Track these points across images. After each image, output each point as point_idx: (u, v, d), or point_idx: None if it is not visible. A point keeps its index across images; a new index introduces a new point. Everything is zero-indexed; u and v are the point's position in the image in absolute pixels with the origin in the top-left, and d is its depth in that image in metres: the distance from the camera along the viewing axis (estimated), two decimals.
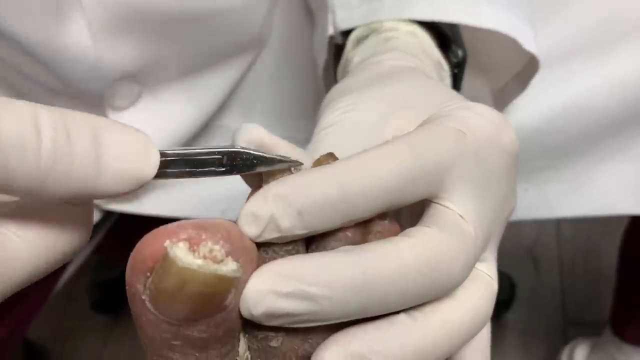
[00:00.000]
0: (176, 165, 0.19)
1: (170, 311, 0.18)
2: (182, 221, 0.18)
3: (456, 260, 0.20)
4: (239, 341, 0.20)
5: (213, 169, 0.20)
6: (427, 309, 0.20)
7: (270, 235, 0.19)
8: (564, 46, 0.44)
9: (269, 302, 0.18)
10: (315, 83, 0.47)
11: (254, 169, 0.20)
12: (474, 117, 0.23)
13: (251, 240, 0.19)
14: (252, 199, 0.19)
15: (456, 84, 0.35)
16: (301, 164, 0.21)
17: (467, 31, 0.35)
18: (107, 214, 0.52)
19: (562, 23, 0.44)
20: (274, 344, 0.20)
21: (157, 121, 0.46)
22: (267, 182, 0.20)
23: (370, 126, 0.25)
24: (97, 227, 0.53)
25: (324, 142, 0.25)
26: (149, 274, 0.18)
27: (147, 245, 0.18)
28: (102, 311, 1.10)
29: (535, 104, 0.44)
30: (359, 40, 0.34)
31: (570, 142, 0.45)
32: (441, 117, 0.23)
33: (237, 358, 0.20)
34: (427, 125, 0.22)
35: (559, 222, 1.13)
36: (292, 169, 0.21)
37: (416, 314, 0.20)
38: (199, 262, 0.17)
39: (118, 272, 1.09)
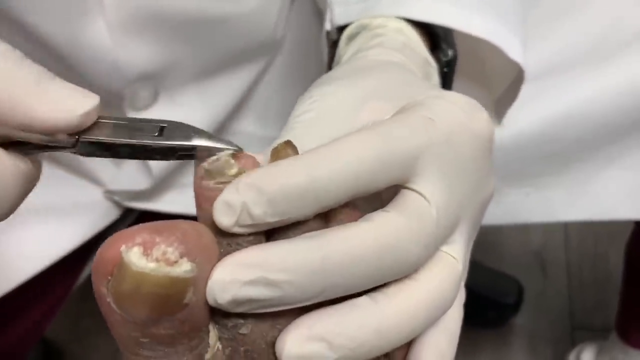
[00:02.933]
0: (114, 127, 0.21)
1: (132, 312, 0.18)
2: (141, 225, 0.19)
3: (414, 242, 0.21)
4: (209, 333, 0.21)
5: (149, 134, 0.21)
6: (389, 291, 0.21)
7: (244, 222, 0.20)
8: (564, 55, 0.45)
9: (233, 290, 0.19)
10: None
11: (190, 140, 0.21)
12: (445, 104, 0.23)
13: (216, 234, 0.20)
14: (225, 190, 0.20)
15: (446, 82, 0.35)
16: (240, 149, 0.21)
17: (464, 40, 0.35)
18: (127, 212, 0.54)
19: (562, 33, 0.45)
20: (243, 331, 0.20)
21: None
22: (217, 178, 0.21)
23: (342, 115, 0.25)
24: (116, 224, 0.55)
25: (293, 130, 0.25)
26: (109, 277, 0.18)
27: (106, 250, 0.18)
28: None
29: (536, 111, 0.44)
30: (351, 37, 0.35)
31: (570, 148, 0.46)
32: (413, 106, 0.23)
33: (208, 349, 0.21)
34: (398, 114, 0.23)
35: (567, 227, 1.13)
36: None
37: (378, 295, 0.21)
38: (151, 265, 0.18)
39: None
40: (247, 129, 0.53)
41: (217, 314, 0.20)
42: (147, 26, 0.41)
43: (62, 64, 0.41)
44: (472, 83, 0.40)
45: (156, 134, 0.21)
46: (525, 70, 0.37)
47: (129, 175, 0.49)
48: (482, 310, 0.99)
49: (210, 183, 0.20)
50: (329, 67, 0.37)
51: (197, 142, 0.21)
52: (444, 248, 0.23)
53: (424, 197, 0.21)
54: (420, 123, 0.22)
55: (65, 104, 0.20)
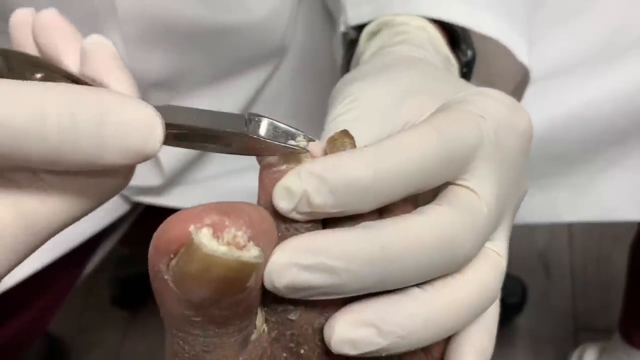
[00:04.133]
0: (181, 137, 0.20)
1: (193, 293, 0.18)
2: (206, 204, 0.18)
3: (467, 237, 0.21)
4: (257, 315, 0.21)
5: (220, 146, 0.20)
6: (438, 284, 0.21)
7: (303, 209, 0.20)
8: (568, 59, 0.45)
9: (291, 275, 0.19)
10: None
11: (259, 153, 0.21)
12: (491, 101, 0.23)
13: (275, 218, 0.20)
14: (287, 176, 0.20)
15: None
16: (306, 151, 0.21)
17: (475, 41, 0.36)
18: (135, 206, 0.54)
19: (567, 36, 0.45)
20: (292, 316, 0.21)
21: None
22: (289, 162, 0.21)
23: (383, 112, 0.25)
24: (123, 218, 0.55)
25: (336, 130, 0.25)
26: (172, 256, 0.18)
27: (172, 228, 0.18)
28: (121, 306, 1.12)
29: (541, 113, 0.45)
30: (372, 35, 0.35)
31: (574, 150, 0.47)
32: (458, 102, 0.23)
33: (254, 330, 0.21)
34: (448, 110, 0.23)
35: (571, 229, 1.13)
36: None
37: (427, 287, 0.21)
38: (223, 249, 0.17)
39: (139, 269, 1.11)
40: None
41: (268, 297, 0.20)
42: (161, 37, 0.42)
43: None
44: (480, 84, 0.40)
45: (226, 147, 0.21)
46: (531, 71, 0.37)
47: (140, 171, 0.49)
48: None
49: (281, 166, 0.20)
50: (346, 65, 0.38)
51: (296, 141, 0.21)
52: (488, 244, 0.23)
53: (476, 194, 0.22)
54: (474, 121, 0.22)
55: (129, 147, 0.18)
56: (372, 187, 0.20)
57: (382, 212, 0.22)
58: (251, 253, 0.18)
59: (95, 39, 0.27)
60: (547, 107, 0.45)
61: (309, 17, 0.51)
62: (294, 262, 0.19)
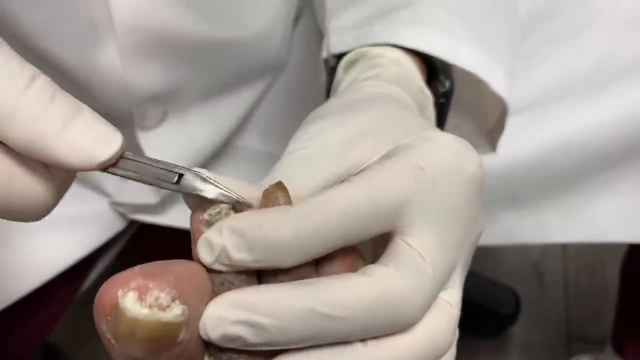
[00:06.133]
0: (132, 167, 0.21)
1: (130, 350, 0.20)
2: (137, 267, 0.20)
3: (411, 300, 0.21)
4: None
5: (165, 182, 0.22)
6: (382, 339, 0.21)
7: (222, 262, 0.21)
8: (558, 86, 0.46)
9: (223, 328, 0.20)
10: None
11: (203, 191, 0.22)
12: (436, 149, 0.24)
13: (212, 270, 0.21)
14: (210, 230, 0.21)
15: (443, 112, 0.36)
16: (244, 202, 0.22)
17: (461, 70, 0.36)
18: (131, 223, 0.55)
19: (557, 61, 0.46)
20: None
21: (181, 140, 0.48)
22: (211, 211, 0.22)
23: (334, 153, 0.25)
24: (120, 235, 0.56)
25: (286, 167, 0.25)
26: (108, 317, 0.20)
27: (105, 294, 0.20)
28: None
29: (532, 138, 0.46)
30: (350, 64, 0.35)
31: (564, 174, 0.47)
32: (403, 149, 0.24)
33: None
34: (386, 161, 0.23)
35: None
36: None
37: (370, 342, 0.21)
38: (145, 311, 0.19)
39: None
40: (251, 144, 0.54)
41: (213, 345, 0.21)
42: (157, 50, 0.42)
43: (72, 85, 0.42)
44: (466, 113, 0.41)
45: (174, 182, 0.22)
46: (507, 103, 0.37)
47: (135, 189, 0.50)
48: (479, 320, 0.99)
49: (203, 215, 0.22)
50: (327, 91, 0.38)
51: (209, 193, 0.22)
52: (441, 294, 0.23)
53: (419, 255, 0.22)
54: (409, 171, 0.23)
55: (86, 150, 0.20)
56: (291, 246, 0.21)
57: (318, 261, 0.22)
58: (173, 312, 0.19)
59: None
60: (537, 132, 0.46)
61: (305, 36, 0.52)
62: (225, 317, 0.20)
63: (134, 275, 0.20)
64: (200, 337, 0.21)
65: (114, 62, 0.41)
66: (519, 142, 0.46)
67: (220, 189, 0.22)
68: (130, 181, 0.51)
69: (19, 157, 0.20)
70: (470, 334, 0.90)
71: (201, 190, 0.21)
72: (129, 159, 0.21)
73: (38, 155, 0.20)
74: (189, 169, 0.22)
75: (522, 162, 0.47)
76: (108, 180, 0.51)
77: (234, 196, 0.22)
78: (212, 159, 0.52)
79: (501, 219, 0.50)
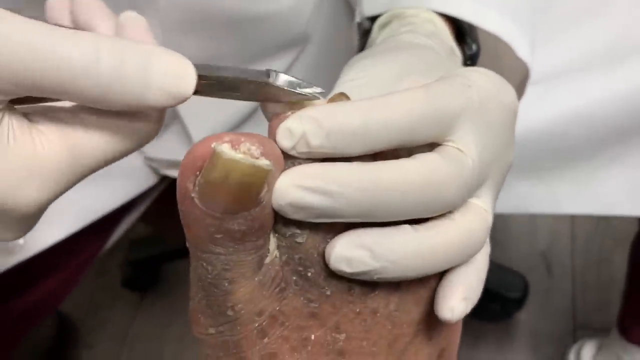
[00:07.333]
0: (212, 87, 0.23)
1: (215, 203, 0.21)
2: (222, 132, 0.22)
3: (453, 182, 0.23)
4: (270, 240, 0.23)
5: (244, 95, 0.24)
6: (428, 224, 0.24)
7: (301, 149, 0.22)
8: (575, 59, 0.48)
9: (293, 194, 0.22)
10: None
11: (278, 100, 0.24)
12: (479, 75, 0.26)
13: (284, 155, 0.23)
14: (290, 118, 0.22)
15: None
16: (317, 98, 0.24)
17: (485, 36, 0.37)
18: (160, 180, 0.57)
19: (576, 36, 0.48)
20: (299, 240, 0.23)
21: (212, 110, 0.51)
22: (294, 109, 0.23)
23: (384, 83, 0.27)
24: (147, 192, 0.57)
25: (346, 90, 0.27)
26: (198, 172, 0.21)
27: (197, 148, 0.21)
28: (131, 288, 1.15)
29: (547, 109, 0.47)
30: (383, 25, 0.37)
31: (576, 145, 0.49)
32: (451, 75, 0.26)
33: (268, 254, 0.23)
34: (439, 80, 0.25)
35: (573, 230, 1.15)
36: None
37: (417, 226, 0.24)
38: (240, 155, 0.21)
39: (150, 252, 1.14)
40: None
41: (279, 224, 0.23)
42: (196, 25, 0.44)
43: None
44: None
45: (268, 78, 0.24)
46: (530, 69, 0.39)
47: (169, 144, 0.52)
48: (486, 302, 1.00)
49: (287, 112, 0.23)
50: (360, 52, 0.40)
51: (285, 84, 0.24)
52: (474, 200, 0.25)
53: (461, 151, 0.24)
54: (460, 87, 0.25)
55: (168, 90, 0.22)
56: (361, 133, 0.22)
57: (375, 158, 0.24)
58: (264, 161, 0.21)
59: (130, 14, 0.30)
60: (553, 104, 0.47)
61: (332, 7, 0.54)
62: (296, 184, 0.22)
63: (226, 133, 0.21)
64: (271, 210, 0.22)
65: (156, 38, 0.43)
66: (534, 112, 0.47)
67: (296, 91, 0.24)
68: (164, 136, 0.53)
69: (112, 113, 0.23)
70: (476, 315, 0.91)
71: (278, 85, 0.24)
72: (204, 81, 0.23)
73: (139, 109, 0.22)
74: (265, 73, 0.24)
75: (536, 132, 0.48)
76: None
77: (310, 90, 0.24)
78: (243, 123, 0.54)
79: (512, 187, 0.52)
